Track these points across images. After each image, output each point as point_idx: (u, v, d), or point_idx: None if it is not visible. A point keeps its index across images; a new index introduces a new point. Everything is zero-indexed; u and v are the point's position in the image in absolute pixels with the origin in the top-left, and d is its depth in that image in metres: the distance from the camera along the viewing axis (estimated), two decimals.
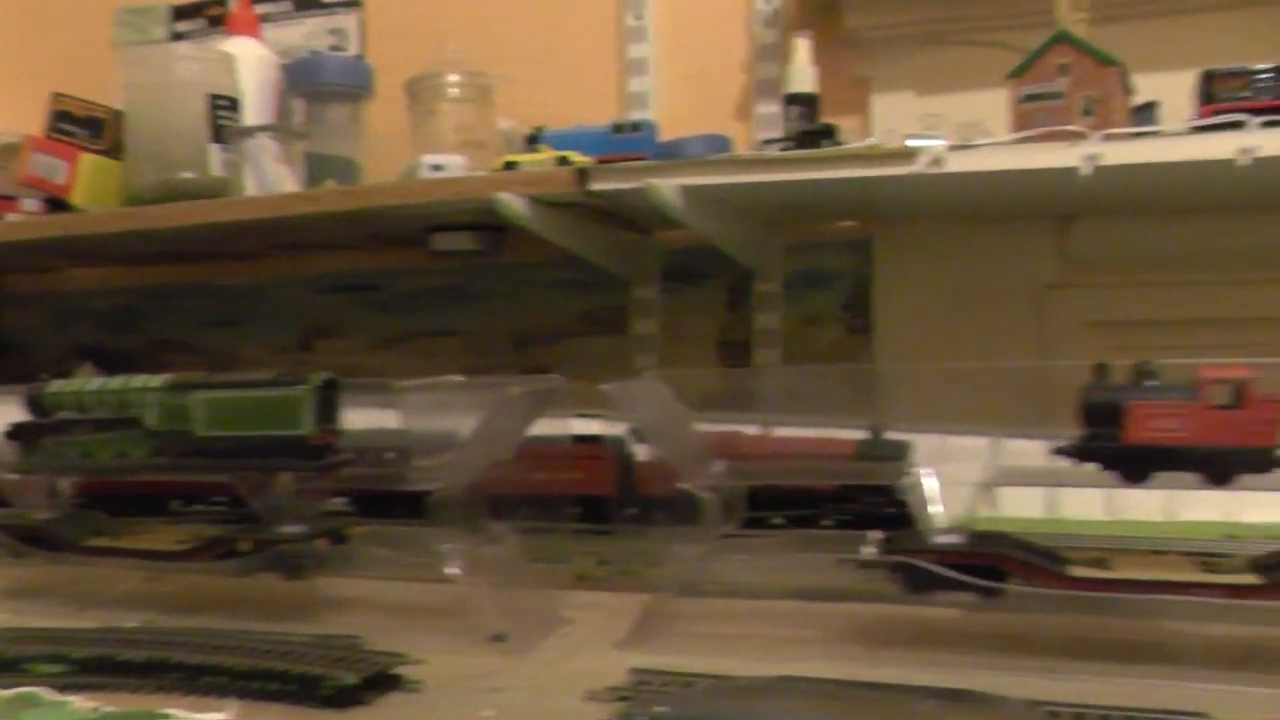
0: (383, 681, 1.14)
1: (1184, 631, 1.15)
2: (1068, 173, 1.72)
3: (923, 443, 1.52)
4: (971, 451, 1.38)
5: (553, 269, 2.41)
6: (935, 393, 1.61)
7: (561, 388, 1.33)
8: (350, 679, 1.08)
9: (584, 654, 1.23)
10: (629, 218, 2.13)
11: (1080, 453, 1.08)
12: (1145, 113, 1.96)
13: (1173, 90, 1.85)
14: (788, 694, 0.90)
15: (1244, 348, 2.10)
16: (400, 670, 1.17)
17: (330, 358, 2.72)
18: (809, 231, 2.28)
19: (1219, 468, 1.07)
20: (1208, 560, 1.16)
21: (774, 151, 1.87)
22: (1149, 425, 1.06)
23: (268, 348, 2.76)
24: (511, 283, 2.50)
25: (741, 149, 2.16)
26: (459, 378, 1.30)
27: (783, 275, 2.27)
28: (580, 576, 1.54)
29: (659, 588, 1.23)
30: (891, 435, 1.52)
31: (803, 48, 2.12)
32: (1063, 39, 1.78)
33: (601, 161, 1.94)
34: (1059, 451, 1.10)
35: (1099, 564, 1.13)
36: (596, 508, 1.71)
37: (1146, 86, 1.92)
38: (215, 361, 2.75)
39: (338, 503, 1.55)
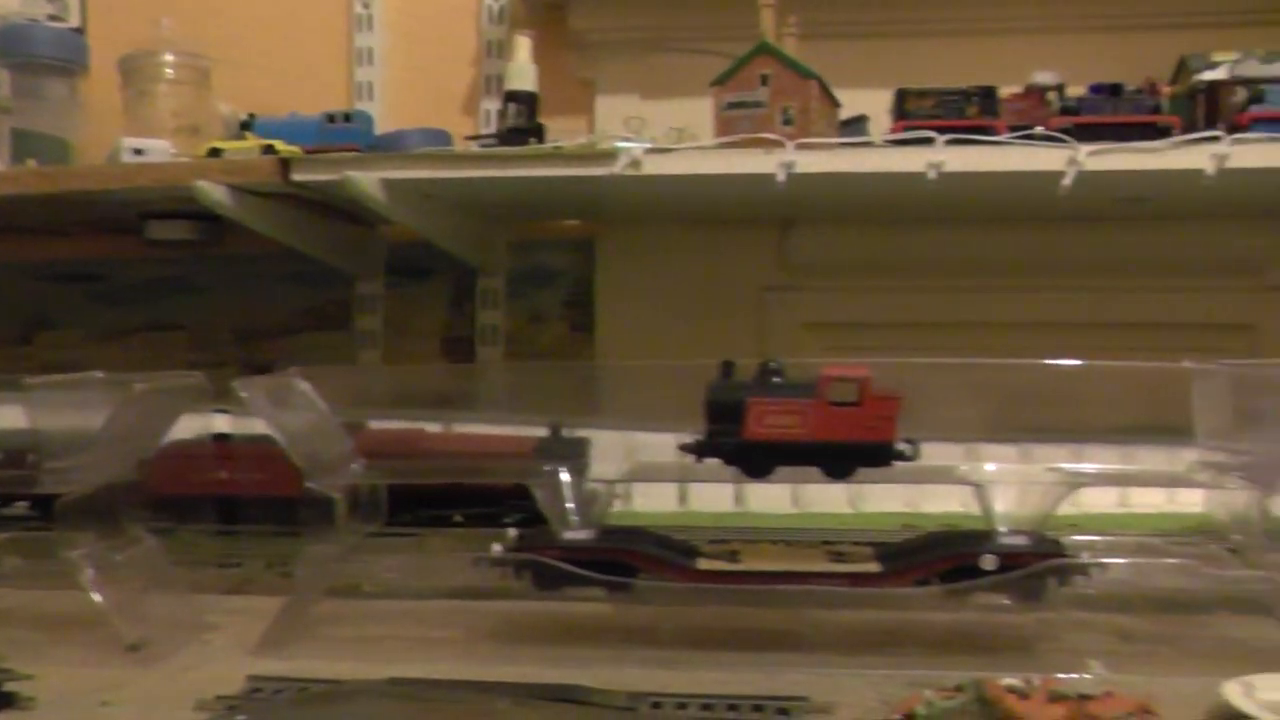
0: None
1: (813, 619, 1.18)
2: (766, 179, 1.74)
3: (612, 440, 1.53)
4: (655, 448, 1.39)
5: (276, 262, 2.33)
6: (629, 390, 1.62)
7: (204, 384, 1.28)
8: None
9: (217, 662, 1.19)
10: (348, 211, 2.08)
11: (702, 449, 1.09)
12: (854, 125, 2.01)
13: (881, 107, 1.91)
14: (372, 698, 0.88)
15: (946, 349, 2.20)
16: (13, 687, 1.11)
17: (52, 351, 2.59)
18: (533, 229, 2.27)
19: (838, 462, 1.10)
20: (841, 551, 1.18)
21: (476, 148, 1.85)
22: (768, 422, 1.08)
23: None
24: (234, 275, 2.42)
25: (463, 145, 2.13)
26: (97, 374, 1.23)
27: (507, 272, 2.26)
28: (248, 580, 1.49)
29: (295, 591, 1.19)
30: (574, 433, 1.50)
31: (524, 46, 2.09)
32: (764, 50, 1.81)
33: (311, 152, 1.89)
34: (683, 448, 1.10)
35: (730, 557, 1.14)
36: (280, 509, 1.65)
37: (860, 102, 1.98)
38: None
39: None
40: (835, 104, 1.95)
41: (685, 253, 2.21)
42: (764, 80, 1.80)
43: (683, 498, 1.74)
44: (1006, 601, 1.13)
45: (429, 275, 2.28)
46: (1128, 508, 1.78)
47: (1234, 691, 0.95)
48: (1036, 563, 1.09)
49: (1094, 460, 1.44)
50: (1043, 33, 2.19)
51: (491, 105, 2.27)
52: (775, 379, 1.09)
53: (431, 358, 2.28)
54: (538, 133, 1.92)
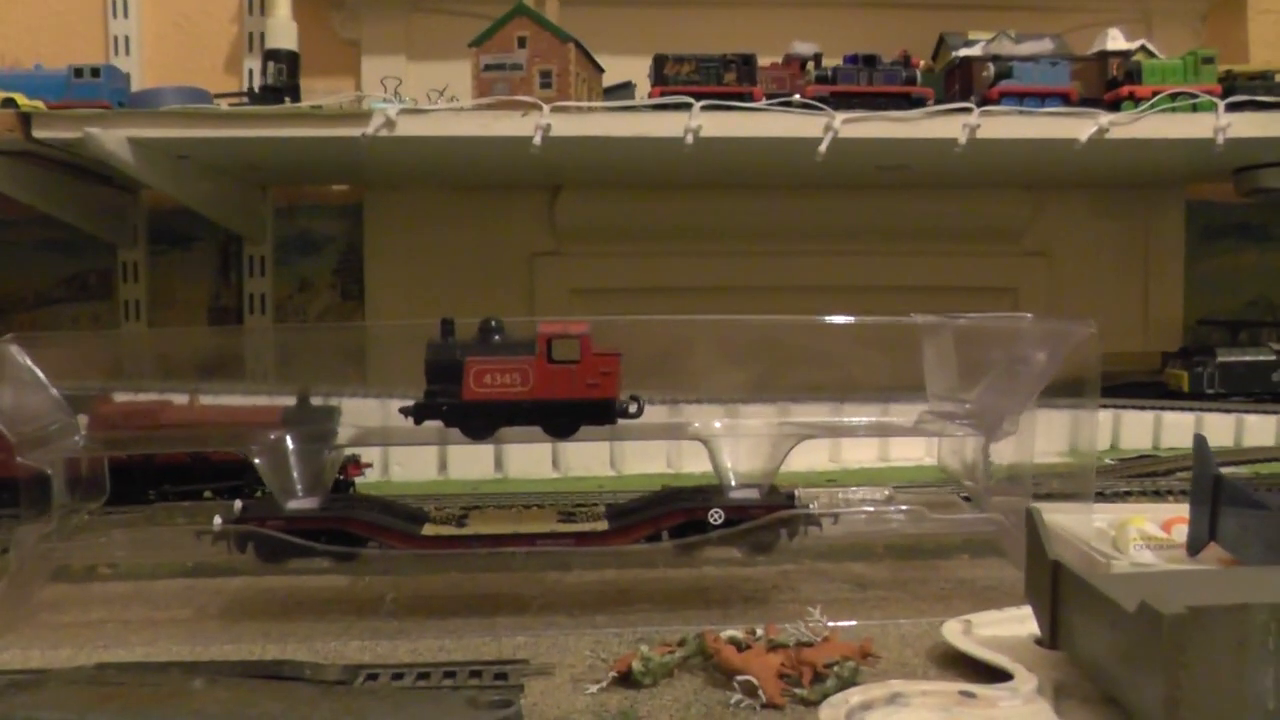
0: None
1: (546, 582, 1.17)
2: (523, 141, 1.73)
3: (369, 407, 1.50)
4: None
5: (34, 229, 2.22)
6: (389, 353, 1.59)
7: None
8: None
9: None
10: (104, 174, 1.99)
11: (421, 411, 1.07)
12: (619, 91, 2.00)
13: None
14: (72, 686, 0.84)
15: (715, 313, 2.22)
16: None
17: None
18: (299, 194, 2.21)
19: (559, 420, 1.08)
20: (572, 512, 1.17)
21: (227, 107, 1.78)
22: (487, 381, 1.06)
23: None
24: None
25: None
26: None
27: (274, 239, 2.20)
28: None
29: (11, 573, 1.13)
30: (322, 401, 1.46)
31: (283, 3, 2.03)
32: (521, 12, 1.79)
33: (56, 108, 1.80)
34: (402, 411, 1.08)
35: (458, 522, 1.12)
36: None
37: (625, 69, 1.98)
38: None
39: None
40: (598, 69, 1.94)
41: (455, 219, 2.18)
42: (521, 43, 1.78)
43: (443, 465, 1.71)
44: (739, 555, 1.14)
45: (193, 242, 2.20)
46: (887, 462, 1.82)
47: (953, 630, 0.98)
48: (764, 515, 1.10)
49: (853, 415, 1.46)
50: (808, 6, 2.23)
51: (254, 64, 2.20)
52: (495, 338, 1.07)
53: (198, 327, 2.21)
54: (293, 92, 1.86)
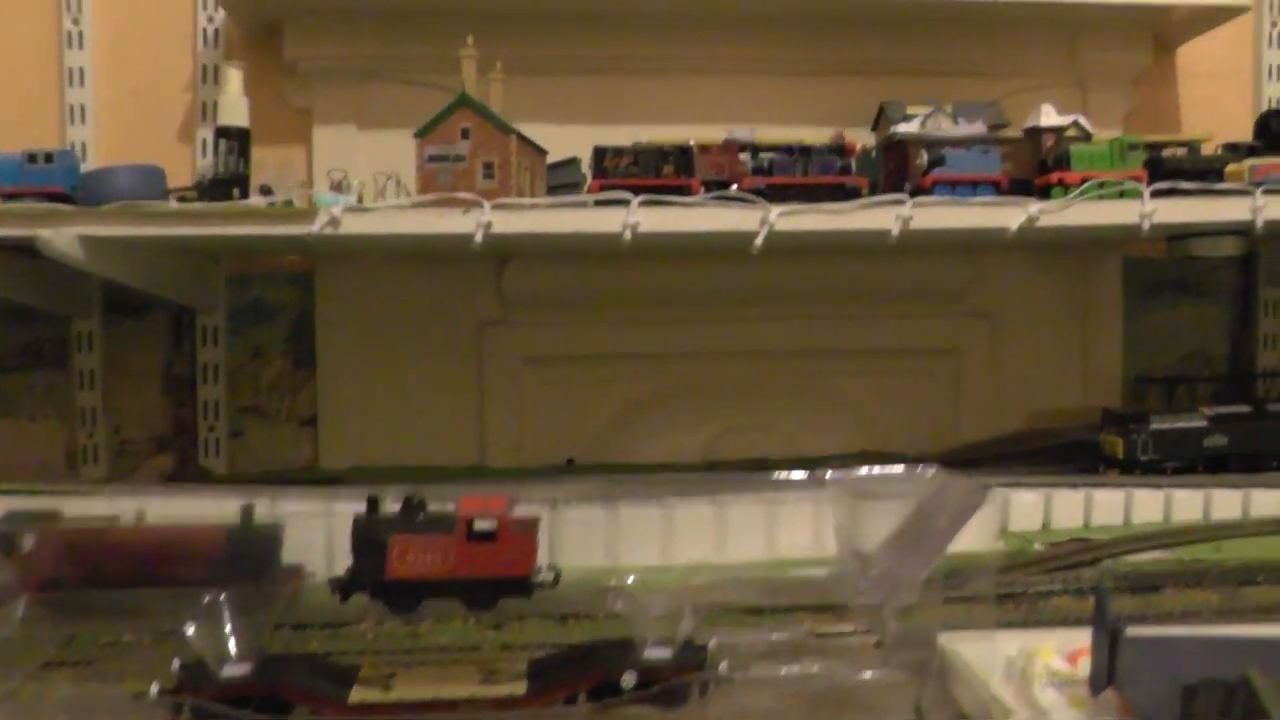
0: None
1: None
2: (465, 238, 1.76)
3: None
4: None
5: None
6: None
7: None
8: None
9: None
10: None
11: (346, 586, 1.11)
12: (563, 168, 2.04)
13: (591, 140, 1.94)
14: None
15: (663, 379, 2.28)
16: None
17: None
18: (253, 264, 2.23)
19: (479, 595, 1.13)
20: (494, 669, 1.21)
21: (175, 204, 1.81)
22: (410, 559, 1.10)
23: None
24: None
25: (177, 180, 2.07)
26: None
27: (226, 308, 2.23)
28: None
29: None
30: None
31: (235, 79, 2.03)
32: (465, 103, 1.81)
33: (10, 195, 1.82)
34: (330, 584, 1.12)
35: (384, 683, 1.17)
36: None
37: (570, 137, 2.01)
38: None
39: None
40: (541, 152, 1.97)
41: (405, 288, 2.22)
42: (465, 134, 1.81)
43: None
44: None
45: (147, 312, 2.23)
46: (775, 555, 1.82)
47: None
48: (676, 675, 1.15)
49: None
50: (748, 74, 2.26)
51: (207, 133, 2.21)
52: (419, 515, 1.12)
53: (153, 397, 2.24)
54: (242, 183, 1.89)
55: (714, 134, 2.00)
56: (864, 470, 1.27)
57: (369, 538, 1.12)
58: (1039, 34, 2.30)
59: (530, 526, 1.13)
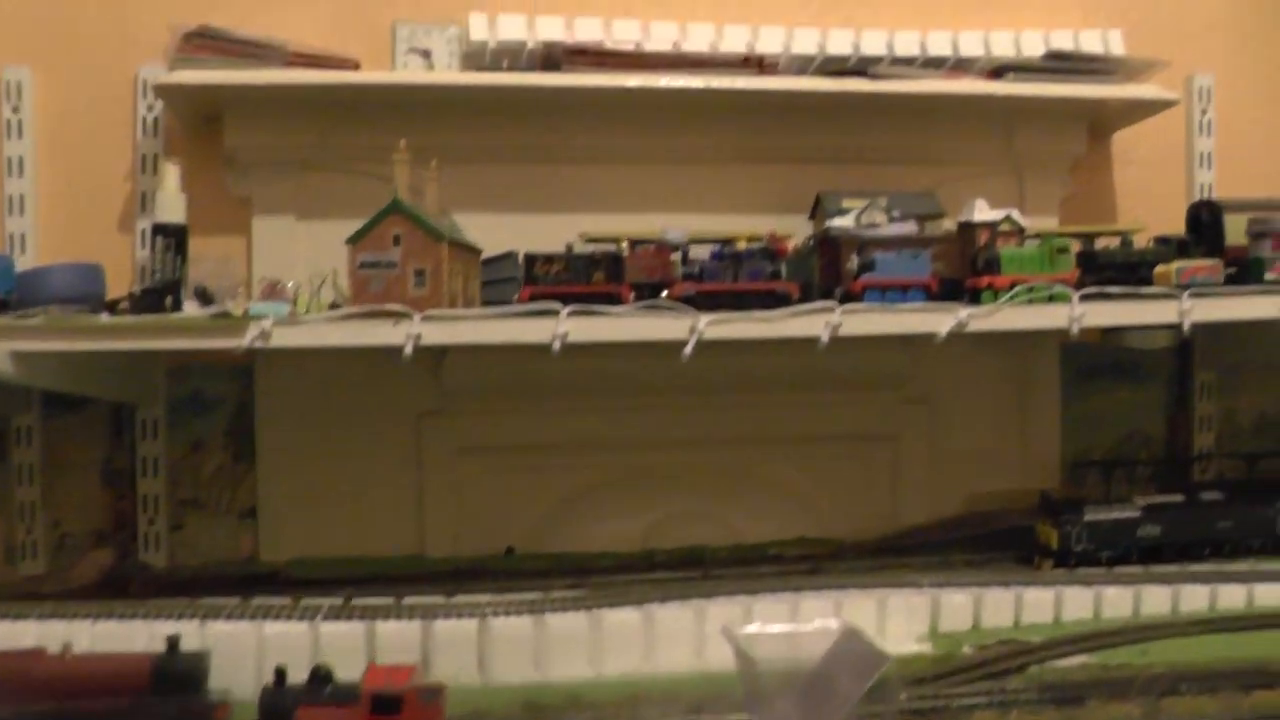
0: None
1: None
2: (395, 350, 1.76)
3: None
4: None
5: None
6: None
7: None
8: None
9: None
10: None
11: None
12: (499, 263, 2.05)
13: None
14: None
15: (602, 469, 2.28)
16: None
17: None
18: (192, 356, 2.22)
19: None
20: None
21: (106, 319, 1.81)
22: None
23: None
24: None
25: (116, 272, 2.07)
26: None
27: (166, 401, 2.22)
28: None
29: None
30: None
31: (171, 175, 2.02)
32: (396, 210, 1.82)
33: None
34: None
35: None
36: None
37: (506, 225, 2.04)
38: None
39: None
40: (475, 252, 1.98)
41: (343, 380, 2.22)
42: (396, 240, 1.82)
43: None
44: None
45: (86, 406, 2.22)
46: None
47: None
48: None
49: None
50: (685, 163, 2.28)
51: (147, 223, 2.21)
52: (326, 687, 1.12)
53: (93, 490, 2.23)
54: (175, 289, 1.89)
55: (652, 222, 2.03)
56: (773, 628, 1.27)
57: (276, 710, 1.12)
58: (976, 123, 2.33)
59: (436, 694, 1.13)
